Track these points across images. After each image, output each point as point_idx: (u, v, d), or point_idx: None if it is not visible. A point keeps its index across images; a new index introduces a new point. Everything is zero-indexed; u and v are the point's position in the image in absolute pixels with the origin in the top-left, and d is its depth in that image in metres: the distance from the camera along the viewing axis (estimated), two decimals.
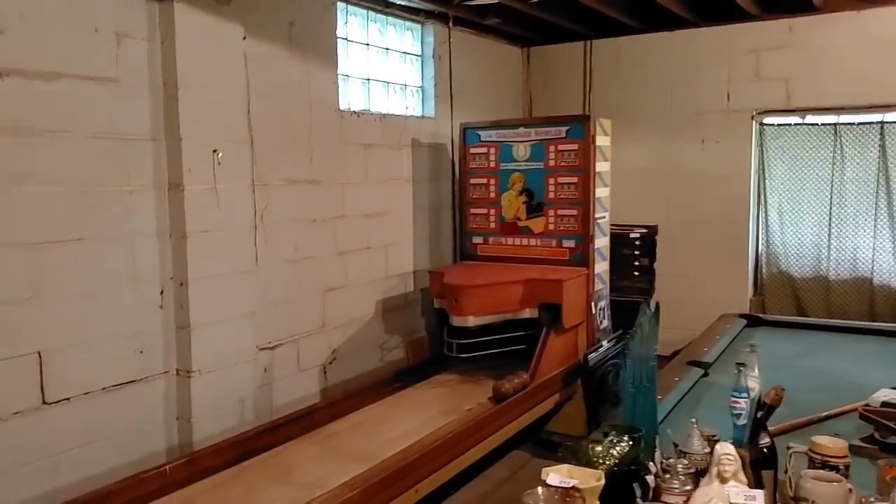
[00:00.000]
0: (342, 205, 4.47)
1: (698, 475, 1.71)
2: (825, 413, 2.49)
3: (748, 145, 5.59)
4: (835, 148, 5.29)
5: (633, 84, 5.98)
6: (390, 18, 5.04)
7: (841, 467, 1.72)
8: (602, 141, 4.66)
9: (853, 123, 5.23)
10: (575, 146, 4.60)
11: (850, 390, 2.62)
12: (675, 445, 1.82)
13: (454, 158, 5.43)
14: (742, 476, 1.62)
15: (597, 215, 4.63)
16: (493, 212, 4.97)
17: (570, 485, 1.58)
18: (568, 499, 1.57)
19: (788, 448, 1.80)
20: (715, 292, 5.50)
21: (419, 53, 5.35)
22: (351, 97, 4.68)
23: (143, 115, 3.25)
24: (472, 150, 5.03)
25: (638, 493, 1.70)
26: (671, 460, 1.70)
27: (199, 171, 3.40)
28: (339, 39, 4.48)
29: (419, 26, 5.30)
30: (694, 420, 1.88)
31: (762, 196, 5.65)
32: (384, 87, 5.03)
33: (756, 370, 2.00)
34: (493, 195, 4.96)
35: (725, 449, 1.64)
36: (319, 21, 4.28)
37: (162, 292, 3.36)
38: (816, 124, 5.37)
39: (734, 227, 5.67)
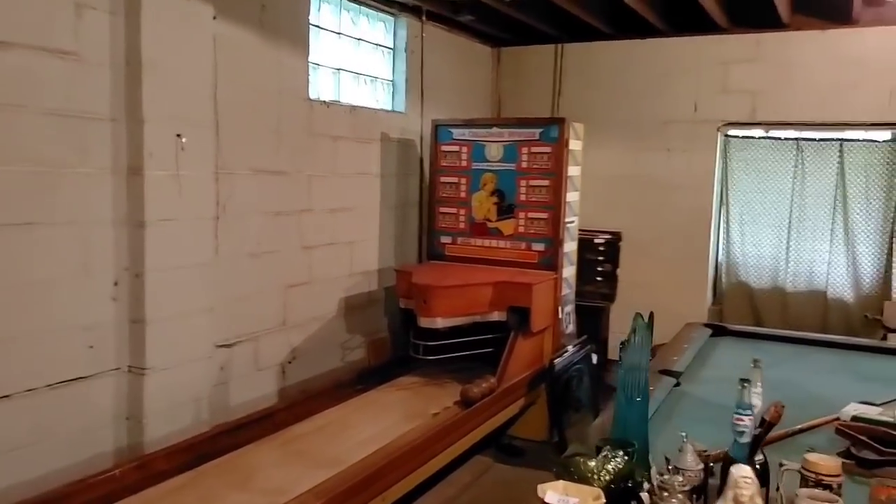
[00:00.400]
0: (308, 198, 4.30)
1: (693, 493, 1.64)
2: (798, 427, 2.46)
3: (713, 156, 5.63)
4: (796, 162, 5.37)
5: (602, 90, 5.96)
6: (363, 8, 4.89)
7: (834, 486, 1.67)
8: (575, 145, 4.61)
9: (814, 139, 5.32)
10: (548, 149, 4.53)
11: (816, 404, 2.61)
12: (668, 460, 1.74)
13: (423, 155, 5.31)
14: (758, 500, 1.54)
15: (567, 219, 4.57)
16: (462, 212, 4.86)
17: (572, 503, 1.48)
18: None
19: (781, 465, 1.74)
20: (674, 300, 5.50)
21: (391, 46, 5.20)
22: (321, 87, 4.51)
23: (103, 93, 3.03)
24: (444, 148, 4.91)
25: None
26: (666, 477, 1.62)
27: (161, 156, 3.19)
28: (311, 26, 4.30)
29: (392, 18, 5.15)
30: (684, 434, 1.81)
31: (724, 206, 5.71)
32: (355, 78, 4.87)
33: (759, 386, 1.94)
34: (463, 195, 4.85)
35: (742, 472, 1.57)
36: (292, 6, 4.10)
37: (116, 284, 3.13)
38: (779, 138, 5.45)
39: (696, 236, 5.71)
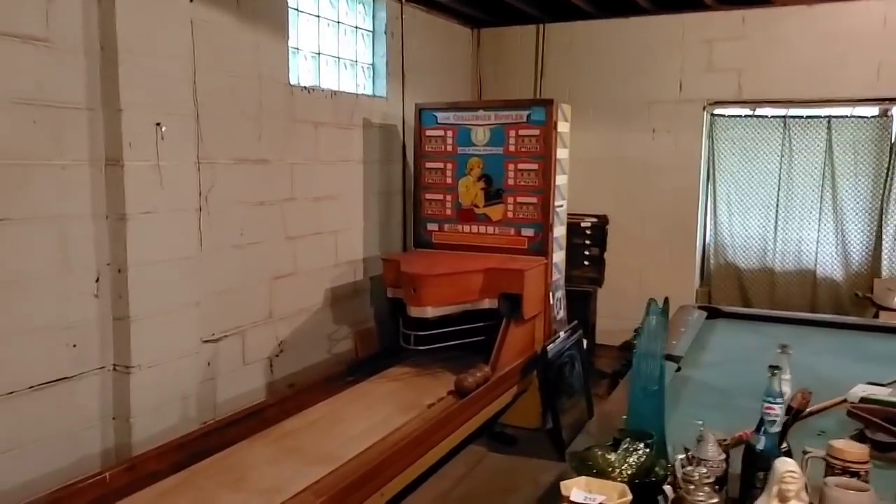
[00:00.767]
0: (291, 187, 4.23)
1: (716, 484, 1.62)
2: (807, 410, 2.48)
3: (699, 136, 5.64)
4: (783, 141, 5.40)
5: (585, 70, 5.93)
6: None
7: (862, 473, 1.66)
8: (563, 127, 4.58)
9: (802, 117, 5.35)
10: (536, 131, 4.50)
11: (821, 385, 2.60)
12: (687, 450, 1.72)
13: (406, 141, 5.25)
14: (804, 495, 1.52)
15: (556, 203, 4.56)
16: (449, 198, 4.82)
17: (598, 502, 1.46)
18: None
19: (805, 453, 1.74)
20: (662, 282, 5.53)
21: (370, 29, 5.11)
22: (301, 72, 4.42)
23: (78, 82, 2.93)
24: (429, 133, 4.85)
25: None
26: (689, 468, 1.60)
27: (141, 146, 3.10)
28: (289, 9, 4.21)
29: (371, 0, 5.06)
30: (701, 422, 1.80)
31: (711, 187, 5.73)
32: (335, 62, 4.79)
33: (788, 373, 1.90)
34: (449, 180, 4.80)
35: (787, 466, 1.54)
36: None
37: (97, 280, 3.05)
38: (766, 116, 5.47)
39: (683, 218, 5.72)
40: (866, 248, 5.28)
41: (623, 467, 1.64)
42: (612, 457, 1.68)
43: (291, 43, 4.24)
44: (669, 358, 3.17)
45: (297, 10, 4.35)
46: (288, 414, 3.55)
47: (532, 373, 4.30)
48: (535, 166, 4.52)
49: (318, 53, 4.61)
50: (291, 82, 4.21)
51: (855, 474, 1.65)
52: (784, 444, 1.73)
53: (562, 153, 4.60)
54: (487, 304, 4.21)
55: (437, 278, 4.05)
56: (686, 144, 5.66)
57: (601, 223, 5.94)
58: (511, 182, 4.61)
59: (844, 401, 2.42)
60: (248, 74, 3.85)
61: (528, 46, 6.16)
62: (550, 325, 4.58)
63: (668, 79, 5.66)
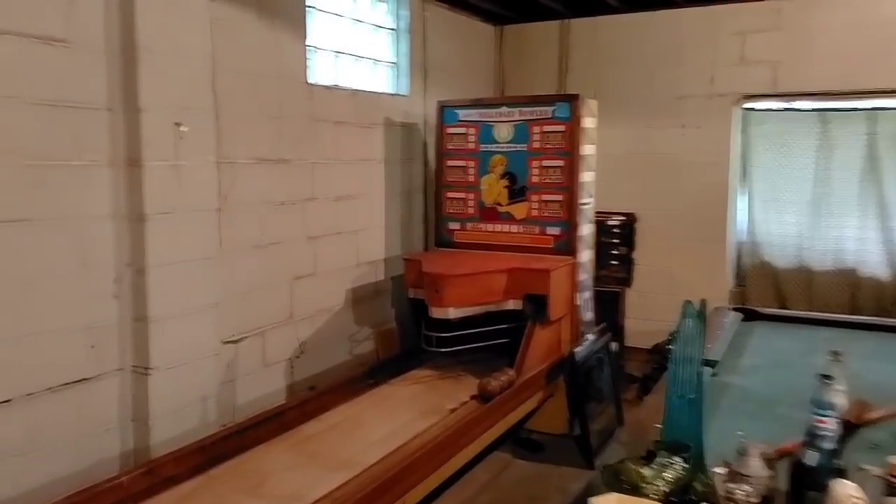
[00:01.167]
0: (312, 186, 4.22)
1: (761, 502, 1.54)
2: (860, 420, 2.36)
3: (731, 131, 5.52)
4: (821, 135, 5.26)
5: (611, 66, 5.85)
6: None
7: None
8: (588, 122, 4.51)
9: (841, 110, 5.20)
10: (561, 127, 4.43)
11: (871, 393, 2.49)
12: (728, 465, 1.64)
13: (427, 139, 5.21)
14: None
15: (582, 201, 4.49)
16: (471, 196, 4.77)
17: None
18: None
19: (860, 469, 1.64)
20: (693, 283, 5.42)
21: (393, 27, 5.09)
22: (321, 71, 4.41)
23: (98, 82, 2.94)
24: (450, 131, 4.81)
25: None
26: (731, 485, 1.52)
27: (160, 146, 3.10)
28: (308, 8, 4.20)
29: None
30: (741, 433, 1.72)
31: (745, 184, 5.61)
32: (355, 61, 4.77)
33: (843, 383, 1.80)
34: (471, 178, 4.76)
35: (847, 489, 1.45)
36: None
37: (116, 281, 3.06)
38: (803, 110, 5.34)
39: (714, 216, 5.61)
40: None
41: (658, 483, 1.56)
42: (646, 471, 1.60)
43: (312, 42, 4.23)
44: (705, 363, 3.10)
45: (317, 9, 4.33)
46: (308, 417, 3.54)
47: (559, 377, 4.23)
48: (560, 163, 4.46)
49: (339, 52, 4.59)
50: (311, 81, 4.20)
51: None
52: (838, 461, 1.64)
53: (588, 149, 4.53)
54: (512, 305, 4.16)
55: (460, 278, 4.00)
56: (717, 140, 5.54)
57: (629, 221, 5.85)
58: (535, 179, 4.55)
59: None
60: (267, 73, 3.85)
61: (552, 42, 6.10)
62: (578, 327, 4.52)
63: (699, 72, 5.55)
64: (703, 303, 1.92)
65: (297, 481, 2.88)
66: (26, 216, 2.72)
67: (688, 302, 1.89)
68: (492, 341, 4.15)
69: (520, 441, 4.24)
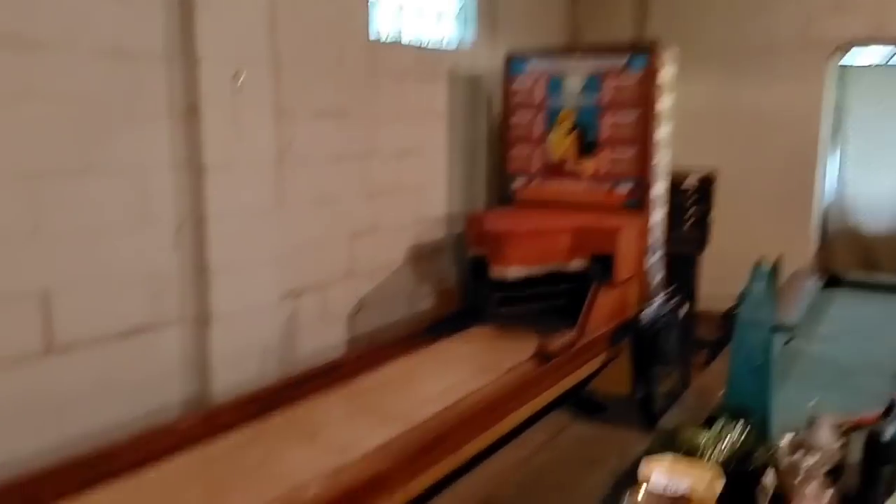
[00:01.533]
0: (372, 141, 4.19)
1: (830, 476, 1.43)
2: None
3: (825, 84, 5.17)
4: None
5: (695, 13, 5.54)
6: None
7: None
8: (666, 74, 4.29)
9: None
10: (636, 79, 4.24)
11: None
12: (794, 435, 1.54)
13: (492, 93, 5.09)
14: None
15: (656, 158, 4.30)
16: (538, 152, 4.65)
17: (681, 491, 1.31)
18: None
19: None
20: (774, 245, 5.00)
21: None
22: (383, 22, 4.33)
23: (156, 31, 2.96)
24: (517, 84, 4.68)
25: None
26: (796, 456, 1.42)
27: (218, 97, 3.12)
28: None
29: None
30: (813, 403, 1.61)
31: (837, 142, 5.26)
32: (418, 12, 4.67)
33: None
34: (538, 133, 4.63)
35: None
36: None
37: (177, 231, 3.13)
38: None
39: (800, 175, 5.31)
40: None
41: (716, 448, 1.47)
42: (704, 436, 1.51)
43: None
44: (778, 328, 2.95)
45: None
46: (364, 371, 3.57)
47: (623, 340, 4.13)
48: (633, 117, 4.28)
49: (401, 6, 4.50)
50: (373, 34, 4.14)
51: None
52: None
53: (664, 103, 4.33)
54: (576, 265, 4.06)
55: (523, 237, 3.93)
56: (809, 94, 5.21)
57: (707, 180, 5.58)
58: (606, 134, 4.39)
59: None
60: (328, 24, 3.81)
61: None
62: (646, 289, 4.38)
63: (791, 19, 5.20)
64: (777, 262, 1.78)
65: (350, 433, 2.92)
66: (87, 166, 2.79)
67: (759, 261, 1.76)
68: (554, 302, 4.07)
69: (580, 402, 4.18)
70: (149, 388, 3.06)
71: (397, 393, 3.37)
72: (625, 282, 4.18)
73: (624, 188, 4.36)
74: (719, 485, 1.39)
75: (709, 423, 1.64)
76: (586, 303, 3.94)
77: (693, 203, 5.60)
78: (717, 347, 4.76)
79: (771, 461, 1.49)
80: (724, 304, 5.29)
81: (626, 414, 4.06)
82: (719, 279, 5.53)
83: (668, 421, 1.93)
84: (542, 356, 3.59)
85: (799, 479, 1.35)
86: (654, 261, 4.50)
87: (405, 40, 4.43)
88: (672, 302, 4.40)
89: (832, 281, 3.60)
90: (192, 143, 3.10)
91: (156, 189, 3.04)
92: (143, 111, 2.96)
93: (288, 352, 3.71)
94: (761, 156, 5.38)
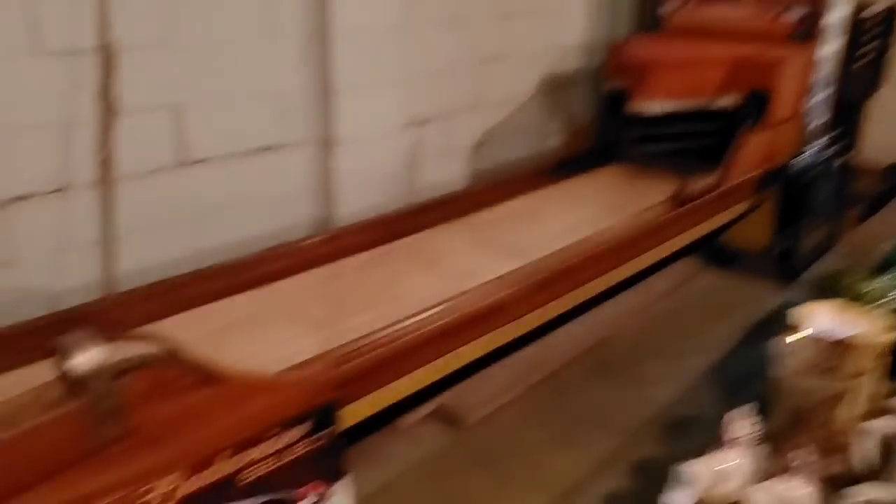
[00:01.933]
0: None
1: None
2: None
3: None
4: None
5: None
6: None
7: None
8: None
9: None
10: None
11: None
12: None
13: None
14: None
15: None
16: None
17: (847, 337, 1.16)
18: (835, 353, 1.15)
19: None
20: None
21: None
22: None
23: None
24: None
25: None
26: None
27: None
28: None
29: None
30: None
31: None
32: None
33: None
34: None
35: None
36: None
37: (303, 48, 3.04)
38: None
39: None
40: None
41: (888, 298, 1.29)
42: (873, 283, 1.33)
43: None
44: None
45: None
46: (486, 205, 3.50)
47: (770, 188, 3.79)
48: None
49: None
50: None
51: None
52: None
53: None
54: (727, 102, 3.68)
55: (669, 67, 3.58)
56: None
57: (889, 13, 4.82)
58: None
59: None
60: None
61: None
62: (803, 133, 3.94)
63: None
64: None
65: (471, 262, 2.89)
66: None
67: None
68: (698, 142, 3.75)
69: (713, 251, 3.95)
70: (275, 207, 3.14)
71: (520, 227, 3.29)
72: (780, 123, 3.76)
73: (793, 15, 3.81)
74: (887, 335, 1.22)
75: (880, 269, 1.44)
76: (734, 144, 3.60)
77: (871, 38, 4.89)
78: (876, 202, 4.35)
79: None
80: (890, 157, 4.79)
81: (761, 267, 3.83)
82: (889, 128, 4.93)
83: (815, 272, 1.74)
84: (678, 199, 3.36)
85: None
86: (817, 102, 4.00)
87: None
88: (831, 149, 3.96)
89: None
90: None
91: (282, 3, 2.93)
92: None
93: (410, 181, 3.67)
94: None
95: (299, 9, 2.97)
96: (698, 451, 1.88)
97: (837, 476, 1.50)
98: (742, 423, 1.69)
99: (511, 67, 4.08)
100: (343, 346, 2.16)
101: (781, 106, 3.64)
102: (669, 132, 3.70)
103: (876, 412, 1.37)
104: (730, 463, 1.64)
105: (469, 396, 2.72)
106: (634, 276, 3.24)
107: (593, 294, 2.97)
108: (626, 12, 4.72)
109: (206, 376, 1.67)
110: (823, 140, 3.95)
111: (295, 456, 1.85)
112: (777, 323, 1.62)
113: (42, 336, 2.00)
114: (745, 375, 2.55)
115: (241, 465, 1.73)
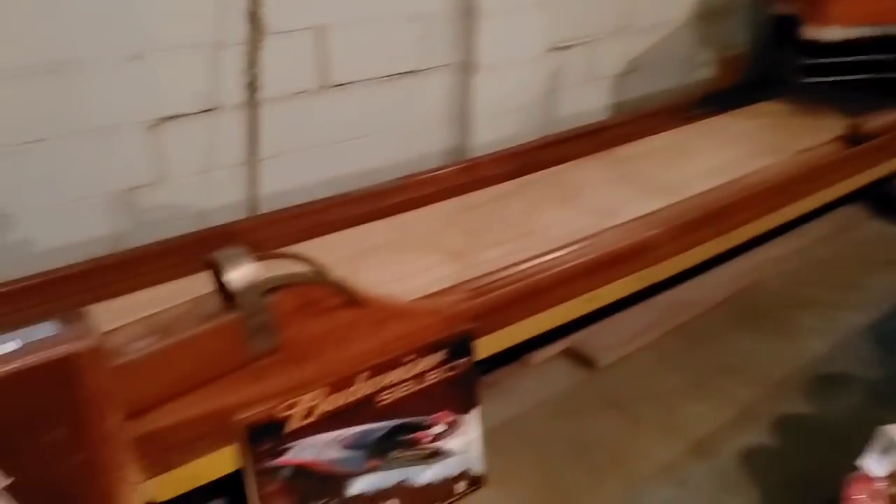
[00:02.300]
0: None
1: None
2: None
3: None
4: None
5: None
6: None
7: None
8: None
9: None
10: None
11: None
12: None
13: None
14: None
15: None
16: None
17: None
18: None
19: None
20: None
21: None
22: None
23: None
24: None
25: None
26: None
27: None
28: None
29: None
30: None
31: None
32: None
33: None
34: None
35: None
36: None
37: None
38: None
39: None
40: None
41: None
42: None
43: None
44: None
45: None
46: (629, 138, 3.34)
47: None
48: None
49: None
50: None
51: None
52: None
53: None
54: None
55: None
56: None
57: None
58: None
59: None
60: None
61: None
62: None
63: None
64: None
65: (610, 198, 2.78)
66: None
67: None
68: (878, 74, 3.37)
69: (883, 198, 3.60)
70: (412, 134, 3.13)
71: (664, 164, 3.12)
72: None
73: None
74: None
75: None
76: None
77: None
78: None
79: None
80: None
81: None
82: None
83: None
84: (851, 138, 3.05)
85: None
86: None
87: None
88: None
89: None
90: None
91: None
92: None
93: (550, 111, 3.55)
94: None
95: None
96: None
97: None
98: None
99: None
100: (480, 278, 2.14)
101: None
102: (847, 62, 3.34)
103: None
104: None
105: (603, 338, 2.65)
106: (790, 223, 3.02)
107: (743, 240, 2.80)
108: None
109: (349, 298, 1.70)
110: None
111: (429, 383, 1.88)
112: None
113: (193, 251, 2.12)
114: None
115: (378, 387, 1.78)
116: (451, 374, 1.91)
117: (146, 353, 1.47)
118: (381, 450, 1.84)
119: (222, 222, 2.49)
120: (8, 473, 0.92)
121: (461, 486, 2.04)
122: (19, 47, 2.13)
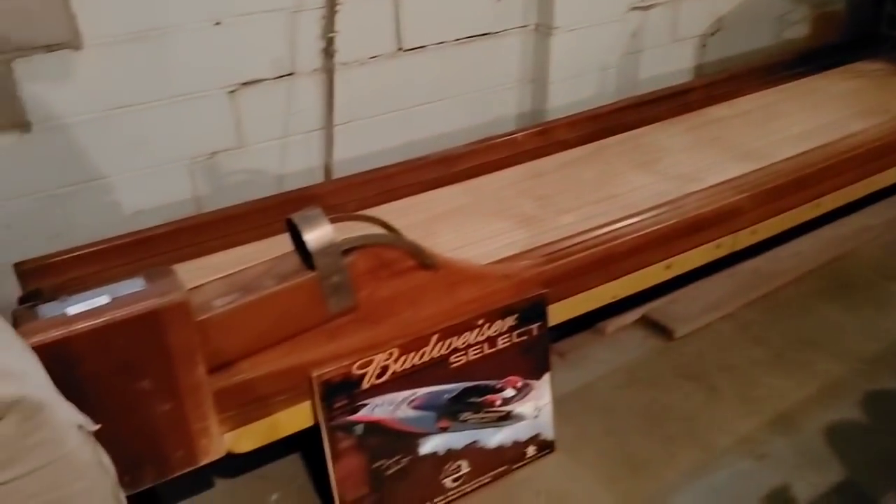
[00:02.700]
0: None
1: None
2: None
3: None
4: None
5: None
6: None
7: None
8: None
9: None
10: None
11: None
12: None
13: None
14: None
15: None
16: None
17: None
18: None
19: None
20: None
21: None
22: None
23: None
24: None
25: None
26: None
27: None
28: None
29: None
30: None
31: None
32: None
33: None
34: None
35: None
36: None
37: None
38: None
39: None
40: None
41: None
42: None
43: None
44: None
45: None
46: (715, 101, 3.23)
47: None
48: None
49: None
50: None
51: None
52: None
53: None
54: None
55: None
56: None
57: None
58: None
59: None
60: None
61: None
62: None
63: None
64: None
65: (693, 163, 2.70)
66: None
67: None
68: None
69: None
70: (486, 98, 3.10)
71: (751, 128, 3.00)
72: None
73: None
74: None
75: None
76: None
77: None
78: None
79: None
80: None
81: None
82: None
83: None
84: None
85: None
86: None
87: None
88: None
89: None
90: None
91: None
92: None
93: (630, 72, 3.46)
94: None
95: None
96: None
97: None
98: None
99: None
100: (553, 243, 2.13)
101: None
102: None
103: None
104: None
105: (680, 307, 2.60)
106: (885, 189, 2.87)
107: (833, 208, 2.68)
108: None
109: (423, 261, 1.73)
110: None
111: (501, 347, 1.89)
112: None
113: (272, 214, 2.19)
114: None
115: (449, 349, 1.80)
116: (522, 339, 1.92)
117: (228, 308, 1.53)
118: (451, 411, 1.88)
119: (299, 187, 2.55)
120: (96, 421, 1.00)
121: (531, 451, 2.06)
122: (110, 17, 2.22)
